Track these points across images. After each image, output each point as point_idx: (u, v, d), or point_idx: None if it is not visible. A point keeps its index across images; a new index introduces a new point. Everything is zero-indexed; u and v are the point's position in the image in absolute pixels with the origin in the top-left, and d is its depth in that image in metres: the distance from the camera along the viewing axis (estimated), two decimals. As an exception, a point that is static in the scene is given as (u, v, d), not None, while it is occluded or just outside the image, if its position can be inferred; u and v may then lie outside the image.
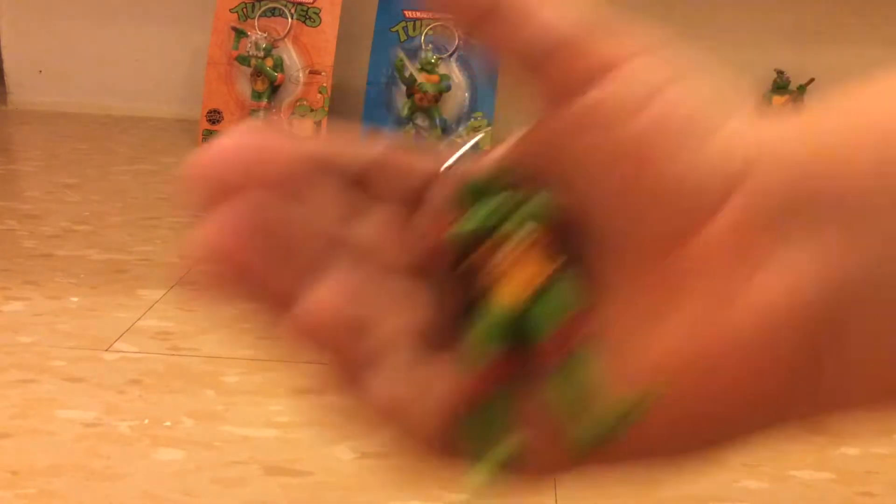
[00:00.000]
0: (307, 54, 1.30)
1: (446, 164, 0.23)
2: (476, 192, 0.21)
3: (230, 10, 1.31)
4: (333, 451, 0.55)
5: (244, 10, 1.31)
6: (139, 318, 0.73)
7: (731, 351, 0.20)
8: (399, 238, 0.22)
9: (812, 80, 1.35)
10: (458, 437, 0.21)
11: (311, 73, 1.29)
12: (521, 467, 0.22)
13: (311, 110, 1.29)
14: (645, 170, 0.20)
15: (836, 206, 0.19)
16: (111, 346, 0.68)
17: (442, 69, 1.25)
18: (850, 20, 1.35)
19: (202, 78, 1.34)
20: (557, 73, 0.21)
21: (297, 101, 1.30)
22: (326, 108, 1.29)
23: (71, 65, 1.48)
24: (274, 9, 1.31)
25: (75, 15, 1.46)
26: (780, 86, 1.36)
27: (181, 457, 0.54)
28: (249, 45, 1.29)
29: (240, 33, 1.30)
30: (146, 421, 0.58)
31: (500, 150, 0.23)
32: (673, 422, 0.21)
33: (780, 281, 0.19)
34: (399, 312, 0.21)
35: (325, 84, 1.29)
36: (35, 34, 1.47)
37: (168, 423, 0.57)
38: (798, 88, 1.35)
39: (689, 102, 0.21)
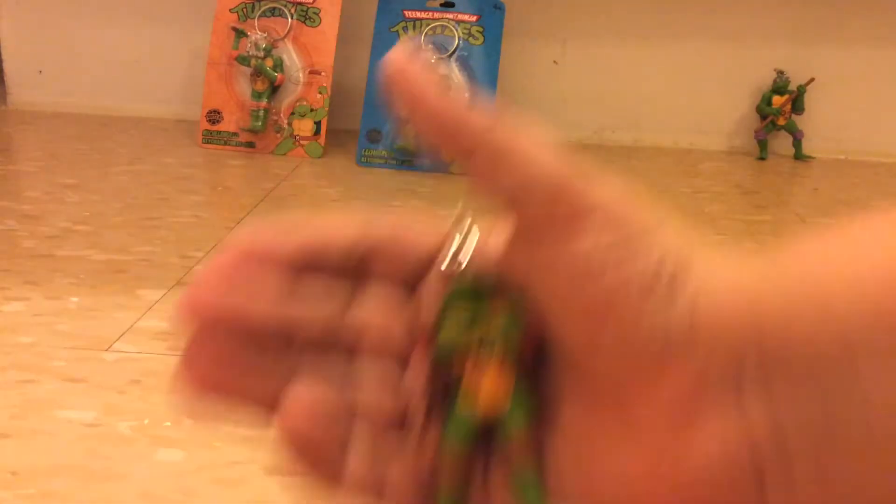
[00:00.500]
0: (307, 54, 1.30)
1: (443, 266, 0.24)
2: (460, 297, 0.24)
3: (230, 10, 1.31)
4: (333, 451, 0.55)
5: (244, 10, 1.31)
6: (139, 318, 0.73)
7: (683, 489, 0.21)
8: (386, 326, 0.24)
9: (812, 79, 1.35)
10: None
11: (311, 73, 1.29)
12: None
13: (311, 110, 1.30)
14: (610, 324, 0.21)
15: (783, 366, 0.20)
16: (111, 346, 0.68)
17: (442, 69, 1.25)
18: (850, 20, 1.35)
19: (202, 78, 1.34)
20: (534, 214, 0.22)
21: (297, 101, 1.30)
22: (326, 108, 1.29)
23: (71, 65, 1.48)
24: (274, 9, 1.31)
25: (75, 15, 1.46)
26: (780, 86, 1.36)
27: (181, 457, 0.54)
28: (249, 45, 1.29)
29: (240, 33, 1.30)
30: (146, 421, 0.58)
31: (487, 246, 0.25)
32: None
33: (729, 428, 0.21)
34: (374, 403, 0.24)
35: (325, 84, 1.29)
36: (35, 34, 1.47)
37: (168, 423, 0.57)
38: (798, 88, 1.35)
39: (656, 261, 0.21)
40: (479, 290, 0.24)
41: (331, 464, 0.23)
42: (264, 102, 1.28)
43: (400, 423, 0.24)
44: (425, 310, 0.24)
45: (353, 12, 1.32)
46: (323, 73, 1.29)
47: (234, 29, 1.30)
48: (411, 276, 0.25)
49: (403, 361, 0.24)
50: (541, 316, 0.23)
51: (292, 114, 1.30)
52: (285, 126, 1.30)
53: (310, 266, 0.24)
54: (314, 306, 0.24)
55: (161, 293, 0.78)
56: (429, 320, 0.24)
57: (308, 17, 1.30)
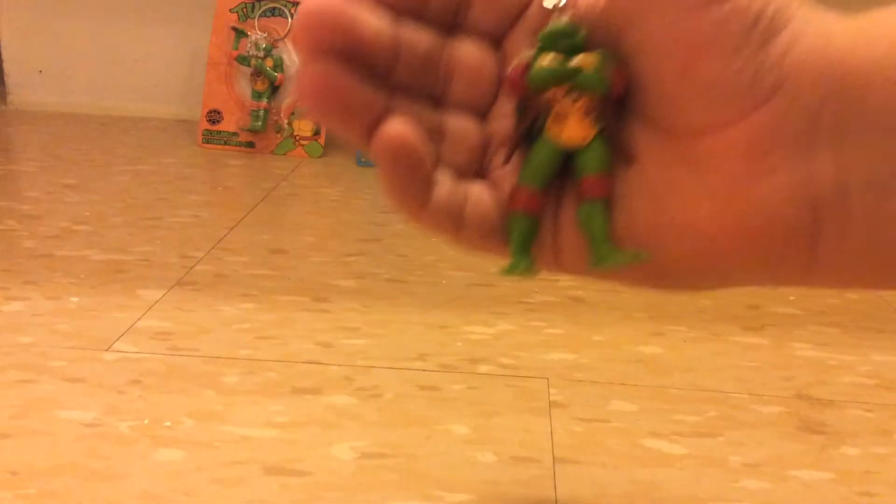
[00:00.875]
0: (307, 54, 1.30)
1: (548, 2, 0.26)
2: (555, 37, 0.25)
3: (230, 10, 1.31)
4: (333, 451, 0.55)
5: (244, 10, 1.31)
6: (139, 318, 0.73)
7: (745, 232, 0.23)
8: (481, 60, 0.26)
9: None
10: (503, 235, 0.26)
11: (311, 73, 1.29)
12: (551, 263, 0.27)
13: (311, 110, 1.29)
14: (707, 59, 0.22)
15: (859, 122, 0.21)
16: (111, 346, 0.68)
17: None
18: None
19: (202, 78, 1.34)
20: None
21: (297, 101, 1.29)
22: (326, 108, 1.29)
23: (71, 65, 1.48)
24: (274, 9, 1.31)
25: (75, 15, 1.46)
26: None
27: (181, 457, 0.54)
28: (249, 45, 1.29)
29: (240, 33, 1.30)
30: (146, 421, 0.58)
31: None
32: (683, 266, 0.25)
33: (797, 177, 0.22)
34: (463, 130, 0.26)
35: (325, 84, 1.29)
36: (35, 34, 1.47)
37: (168, 423, 0.57)
38: None
39: (759, 7, 0.22)
40: (574, 33, 0.25)
41: (420, 186, 0.24)
42: (264, 102, 1.28)
43: (484, 155, 0.26)
44: (520, 47, 0.26)
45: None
46: (323, 73, 1.29)
47: (234, 29, 1.30)
48: (505, 24, 0.26)
49: (493, 101, 0.27)
50: (632, 62, 0.24)
51: (292, 114, 1.30)
52: (285, 126, 1.29)
53: (417, 4, 0.25)
54: (418, 35, 0.25)
55: (161, 293, 0.78)
56: (522, 56, 0.26)
57: (308, 17, 1.30)
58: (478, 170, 0.26)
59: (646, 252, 0.25)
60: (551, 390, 0.63)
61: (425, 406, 0.61)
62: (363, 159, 1.25)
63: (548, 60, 0.25)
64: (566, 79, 0.25)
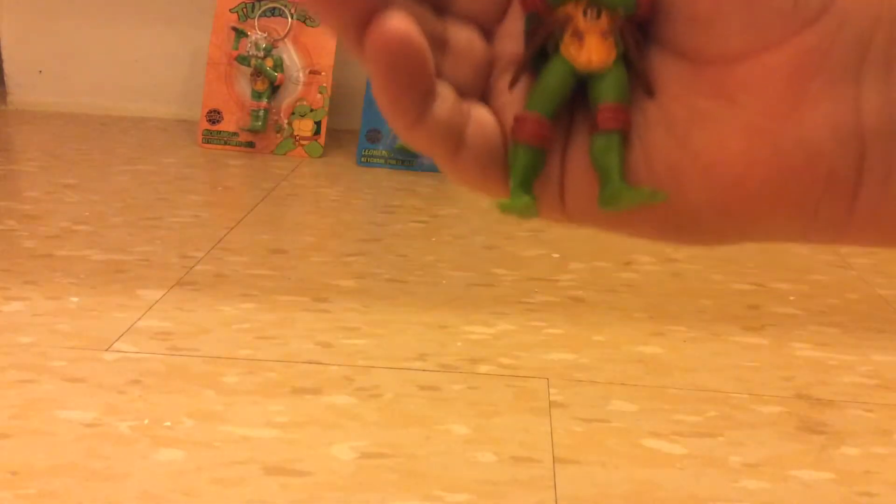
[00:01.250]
0: (307, 54, 1.30)
1: None
2: None
3: (230, 10, 1.31)
4: (333, 451, 0.55)
5: (244, 10, 1.31)
6: (139, 318, 0.73)
7: (780, 172, 0.21)
8: None
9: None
10: (504, 168, 0.23)
11: (311, 73, 1.29)
12: (554, 205, 0.24)
13: (311, 110, 1.29)
14: None
15: None
16: (111, 346, 0.68)
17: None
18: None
19: (202, 78, 1.34)
20: None
21: (297, 101, 1.30)
22: (326, 108, 1.29)
23: (71, 65, 1.48)
24: (274, 9, 1.31)
25: (75, 15, 1.46)
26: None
27: (181, 457, 0.54)
28: (249, 45, 1.29)
29: (240, 33, 1.30)
30: (146, 421, 0.58)
31: None
32: (706, 212, 0.22)
33: (840, 113, 0.20)
34: (467, 40, 0.23)
35: (325, 84, 1.29)
36: (35, 34, 1.47)
37: (168, 423, 0.57)
38: None
39: None
40: None
41: (418, 95, 0.21)
42: (264, 102, 1.28)
43: (488, 77, 0.23)
44: None
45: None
46: (323, 73, 1.29)
47: (234, 29, 1.30)
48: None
49: (501, 17, 0.23)
50: None
51: (292, 114, 1.30)
52: (285, 126, 1.29)
53: None
54: None
55: (161, 293, 0.78)
56: None
57: (308, 16, 1.30)
58: (482, 93, 0.23)
59: (663, 192, 0.22)
60: (551, 390, 0.63)
61: (425, 406, 0.61)
62: (363, 159, 1.25)
63: None
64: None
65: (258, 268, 0.85)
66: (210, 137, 1.31)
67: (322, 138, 1.29)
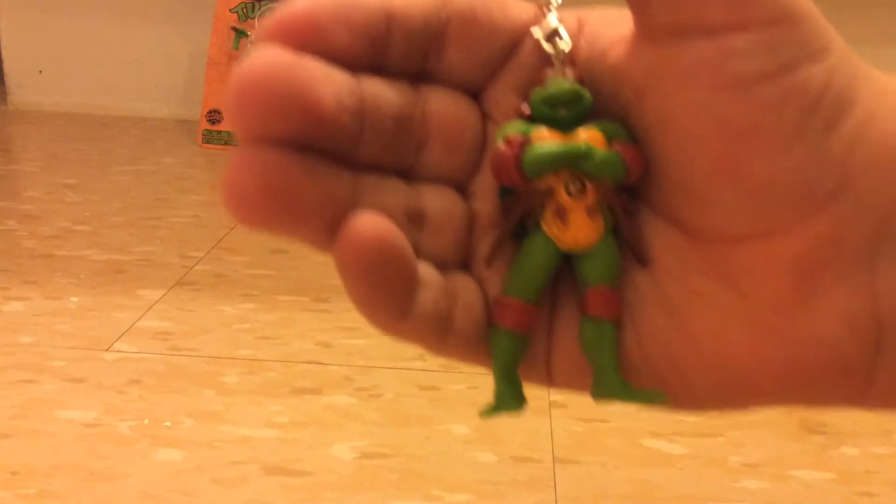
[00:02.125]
0: (307, 54, 1.30)
1: (536, 31, 0.20)
2: (553, 102, 0.20)
3: (230, 10, 1.31)
4: (333, 451, 0.55)
5: (244, 10, 1.31)
6: (139, 318, 0.73)
7: (791, 370, 0.19)
8: (459, 117, 0.20)
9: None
10: (488, 346, 0.21)
11: (311, 73, 1.29)
12: (543, 379, 0.22)
13: (311, 110, 1.30)
14: (753, 152, 0.17)
15: None
16: (111, 346, 0.68)
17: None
18: (850, 20, 1.35)
19: (202, 78, 1.34)
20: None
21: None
22: (326, 108, 1.29)
23: (71, 65, 1.48)
24: (274, 9, 1.30)
25: (75, 15, 1.46)
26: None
27: (181, 457, 0.54)
28: (249, 45, 1.29)
29: (240, 33, 1.30)
30: (146, 421, 0.58)
31: (588, 42, 0.20)
32: (708, 398, 0.20)
33: (855, 304, 0.18)
34: (446, 227, 0.20)
35: (325, 84, 1.29)
36: (35, 34, 1.47)
37: (168, 423, 0.57)
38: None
39: (824, 71, 0.17)
40: (580, 97, 0.20)
41: (401, 295, 0.18)
42: (264, 102, 1.28)
43: (469, 239, 0.20)
44: (504, 102, 0.20)
45: (353, 12, 1.32)
46: (323, 73, 1.29)
47: (234, 29, 1.30)
48: (487, 72, 0.20)
49: (475, 170, 0.20)
50: (649, 140, 0.19)
51: (292, 114, 1.30)
52: None
53: (375, 50, 0.18)
54: (383, 92, 0.18)
55: (161, 293, 0.78)
56: (510, 129, 0.20)
57: (308, 17, 1.30)
58: (463, 259, 0.20)
59: (663, 394, 0.20)
60: (551, 390, 0.63)
61: (425, 406, 0.61)
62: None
63: (548, 139, 0.19)
64: (572, 164, 0.19)
65: (258, 268, 0.85)
66: (210, 137, 1.31)
67: (322, 138, 1.29)
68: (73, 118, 1.46)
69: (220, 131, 1.31)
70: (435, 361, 0.67)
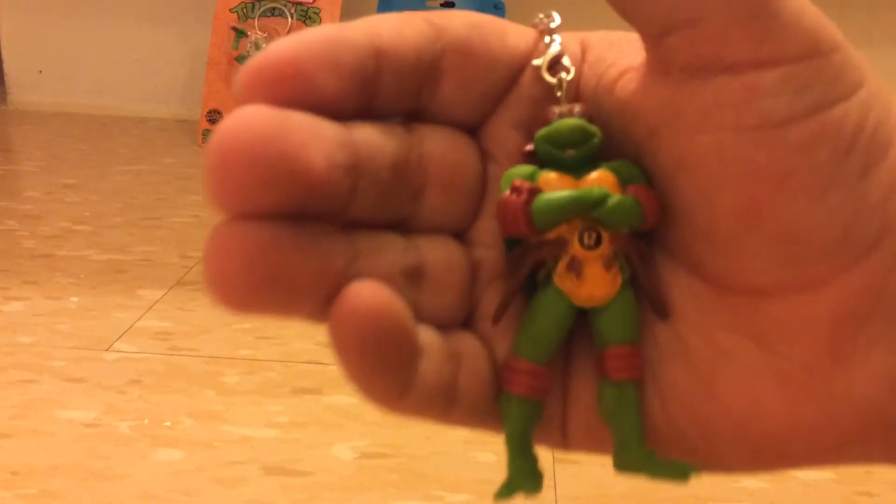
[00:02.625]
0: (307, 54, 1.30)
1: (537, 61, 0.19)
2: (560, 141, 0.18)
3: (230, 10, 1.31)
4: (333, 451, 0.55)
5: (244, 10, 1.31)
6: (139, 318, 0.73)
7: (829, 434, 0.17)
8: (457, 160, 0.18)
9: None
10: (498, 414, 0.19)
11: (311, 73, 1.29)
12: (558, 443, 0.20)
13: (311, 110, 1.30)
14: (782, 200, 0.16)
15: None
16: (111, 346, 0.68)
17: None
18: (850, 20, 1.35)
19: (202, 78, 1.34)
20: (703, 32, 0.16)
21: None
22: (326, 108, 1.29)
23: (71, 65, 1.48)
24: (274, 9, 1.31)
25: (75, 15, 1.46)
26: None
27: (181, 457, 0.54)
28: (249, 45, 1.29)
29: (240, 33, 1.30)
30: (146, 421, 0.58)
31: (593, 70, 0.18)
32: (737, 463, 0.19)
33: (892, 364, 0.17)
34: (447, 283, 0.18)
35: (325, 84, 1.29)
36: (35, 34, 1.47)
37: (168, 423, 0.57)
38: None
39: (859, 107, 0.16)
40: (590, 135, 0.18)
41: (402, 370, 0.16)
42: (264, 102, 1.28)
43: (472, 285, 0.19)
44: (504, 139, 0.19)
45: (352, 12, 1.32)
46: (323, 73, 1.29)
47: (234, 29, 1.30)
48: (485, 107, 0.18)
49: (476, 215, 0.19)
50: (664, 182, 0.17)
51: (292, 114, 1.30)
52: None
53: (366, 92, 0.17)
54: (376, 139, 0.17)
55: (161, 293, 0.78)
56: (515, 174, 0.18)
57: (308, 17, 1.30)
58: (465, 314, 0.19)
59: (694, 468, 0.18)
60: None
61: (425, 406, 0.61)
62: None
63: (557, 184, 0.18)
64: (586, 212, 0.18)
65: (258, 268, 0.85)
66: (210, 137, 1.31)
67: (322, 138, 1.29)
68: (73, 118, 1.46)
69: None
70: (435, 361, 0.67)
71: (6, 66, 1.49)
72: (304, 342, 0.70)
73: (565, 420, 0.19)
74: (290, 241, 0.15)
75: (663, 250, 0.18)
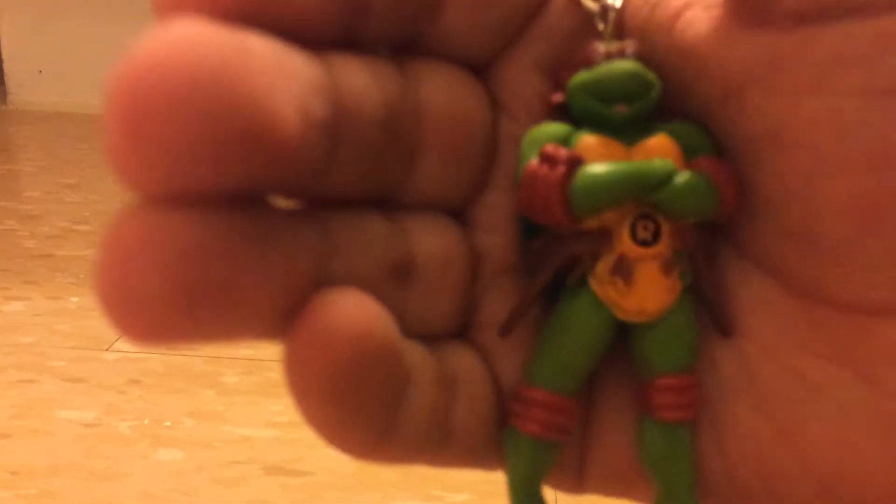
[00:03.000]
0: (307, 54, 1.30)
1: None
2: (603, 94, 0.13)
3: (230, 10, 1.31)
4: (333, 451, 0.55)
5: (244, 10, 1.31)
6: (139, 318, 0.73)
7: None
8: (463, 107, 0.14)
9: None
10: (501, 452, 0.15)
11: (311, 73, 1.30)
12: (569, 486, 0.15)
13: (311, 110, 1.30)
14: None
15: None
16: (111, 346, 0.68)
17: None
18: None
19: (202, 78, 1.34)
20: None
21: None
22: (326, 108, 1.29)
23: (71, 65, 1.48)
24: None
25: (75, 15, 1.46)
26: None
27: (181, 457, 0.54)
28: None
29: (240, 33, 1.30)
30: (146, 421, 0.58)
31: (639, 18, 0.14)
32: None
33: None
34: (442, 281, 0.14)
35: (325, 84, 1.29)
36: (35, 34, 1.47)
37: (168, 423, 0.57)
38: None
39: None
40: (648, 85, 0.13)
41: (388, 405, 0.12)
42: (264, 102, 1.28)
43: (471, 282, 0.14)
44: (522, 83, 0.14)
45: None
46: (323, 73, 1.29)
47: (234, 29, 1.30)
48: (497, 38, 0.14)
49: (481, 187, 0.14)
50: (744, 162, 0.13)
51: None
52: None
53: (352, 9, 0.12)
54: (367, 82, 0.12)
55: (161, 293, 0.78)
56: (541, 135, 0.14)
57: (308, 17, 1.30)
58: (463, 320, 0.14)
59: None
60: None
61: (425, 406, 0.61)
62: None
63: (601, 152, 0.13)
64: (644, 194, 0.13)
65: (258, 268, 0.85)
66: (210, 137, 1.31)
67: (322, 138, 1.29)
68: (73, 118, 1.46)
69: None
70: (435, 361, 0.67)
71: (6, 66, 1.49)
72: (304, 342, 0.70)
73: (583, 461, 0.15)
74: (240, 237, 0.10)
75: (729, 244, 0.14)
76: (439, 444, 0.14)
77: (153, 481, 0.52)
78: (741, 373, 0.14)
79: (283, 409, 0.60)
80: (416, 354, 0.13)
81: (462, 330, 0.14)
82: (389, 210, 0.13)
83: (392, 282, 0.13)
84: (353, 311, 0.11)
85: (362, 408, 0.12)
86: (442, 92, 0.13)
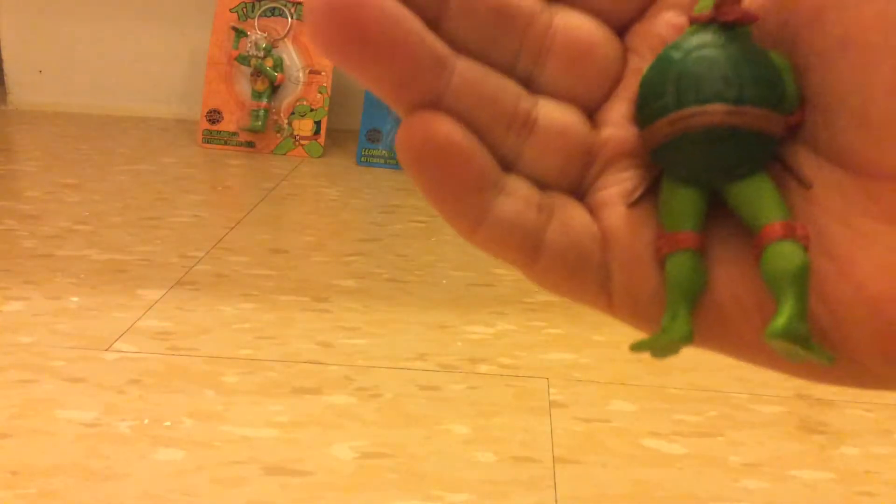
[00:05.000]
0: (307, 54, 1.30)
1: None
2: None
3: (230, 10, 1.31)
4: (333, 451, 0.55)
5: (244, 10, 1.31)
6: (139, 318, 0.73)
7: None
8: (590, 38, 0.18)
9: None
10: (598, 274, 0.19)
11: (311, 73, 1.29)
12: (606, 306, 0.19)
13: (311, 110, 1.29)
14: None
15: None
16: (111, 346, 0.68)
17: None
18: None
19: (202, 78, 1.34)
20: None
21: (297, 101, 1.30)
22: (326, 108, 1.29)
23: (71, 65, 1.48)
24: (274, 9, 1.31)
25: (75, 15, 1.46)
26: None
27: (181, 457, 0.54)
28: (249, 45, 1.29)
29: (240, 33, 1.30)
30: (146, 421, 0.58)
31: None
32: (866, 354, 0.18)
33: None
34: (558, 143, 0.18)
35: (325, 84, 1.29)
36: (35, 34, 1.47)
37: (168, 423, 0.57)
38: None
39: None
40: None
41: (468, 198, 0.17)
42: (264, 102, 1.28)
43: (588, 160, 0.18)
44: (653, 45, 0.18)
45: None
46: (323, 73, 1.29)
47: (234, 29, 1.30)
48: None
49: (606, 98, 0.19)
50: (820, 73, 0.17)
51: (292, 114, 1.30)
52: (285, 126, 1.30)
53: None
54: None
55: (161, 293, 0.78)
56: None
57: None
58: (575, 185, 0.19)
59: (833, 357, 0.17)
60: (551, 390, 0.63)
61: (425, 406, 0.61)
62: (363, 159, 1.25)
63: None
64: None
65: (258, 268, 0.85)
66: (210, 137, 1.31)
67: (322, 138, 1.29)
68: (73, 118, 1.46)
69: (220, 131, 1.31)
70: (435, 361, 0.67)
71: (6, 66, 1.49)
72: (304, 342, 0.70)
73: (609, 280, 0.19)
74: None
75: (805, 146, 0.18)
76: (532, 250, 0.18)
77: (153, 481, 0.52)
78: (814, 233, 0.18)
79: (283, 409, 0.60)
80: (514, 180, 0.17)
81: (580, 195, 0.19)
82: (530, 86, 0.18)
83: (513, 129, 0.17)
84: (441, 125, 0.16)
85: (453, 190, 0.17)
86: (574, 25, 0.18)
